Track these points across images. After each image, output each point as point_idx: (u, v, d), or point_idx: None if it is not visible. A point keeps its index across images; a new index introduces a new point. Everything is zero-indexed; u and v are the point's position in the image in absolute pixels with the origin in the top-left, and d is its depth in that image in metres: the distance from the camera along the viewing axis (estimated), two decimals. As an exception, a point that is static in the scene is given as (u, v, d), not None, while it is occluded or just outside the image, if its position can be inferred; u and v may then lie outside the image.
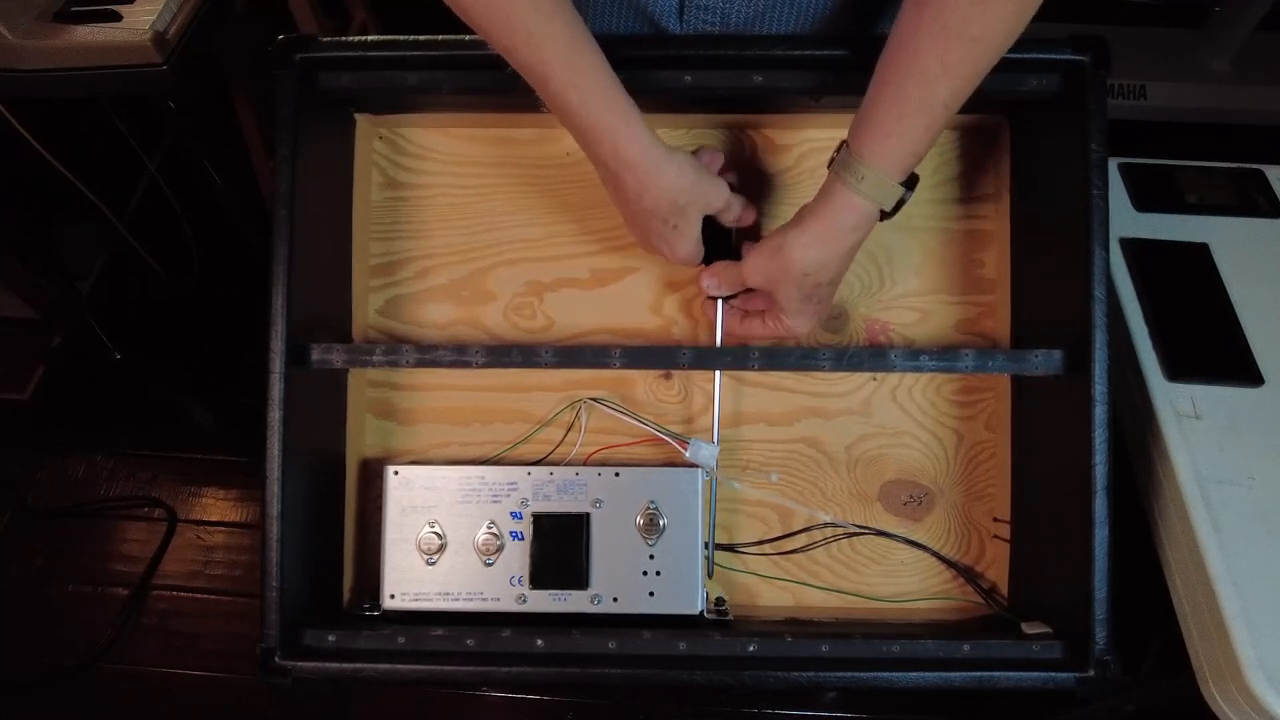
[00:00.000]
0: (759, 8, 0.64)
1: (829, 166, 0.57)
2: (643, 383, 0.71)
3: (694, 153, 0.61)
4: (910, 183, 0.56)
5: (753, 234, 0.68)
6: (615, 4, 0.66)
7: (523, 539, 0.65)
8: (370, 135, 0.72)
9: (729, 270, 0.63)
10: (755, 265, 0.61)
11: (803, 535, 0.71)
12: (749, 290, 0.64)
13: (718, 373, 0.67)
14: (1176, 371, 0.68)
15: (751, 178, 0.72)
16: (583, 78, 0.53)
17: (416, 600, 0.65)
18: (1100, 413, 0.59)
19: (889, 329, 0.72)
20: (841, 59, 0.60)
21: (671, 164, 0.57)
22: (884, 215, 0.57)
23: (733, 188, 0.63)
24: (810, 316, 0.62)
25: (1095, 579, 0.58)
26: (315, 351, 0.63)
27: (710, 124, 0.71)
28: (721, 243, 0.65)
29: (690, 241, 0.61)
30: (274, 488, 0.60)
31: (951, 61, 0.51)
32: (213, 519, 1.46)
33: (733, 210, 0.63)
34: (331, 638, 0.61)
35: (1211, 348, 0.69)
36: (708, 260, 0.64)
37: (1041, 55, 0.61)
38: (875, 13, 0.66)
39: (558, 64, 0.52)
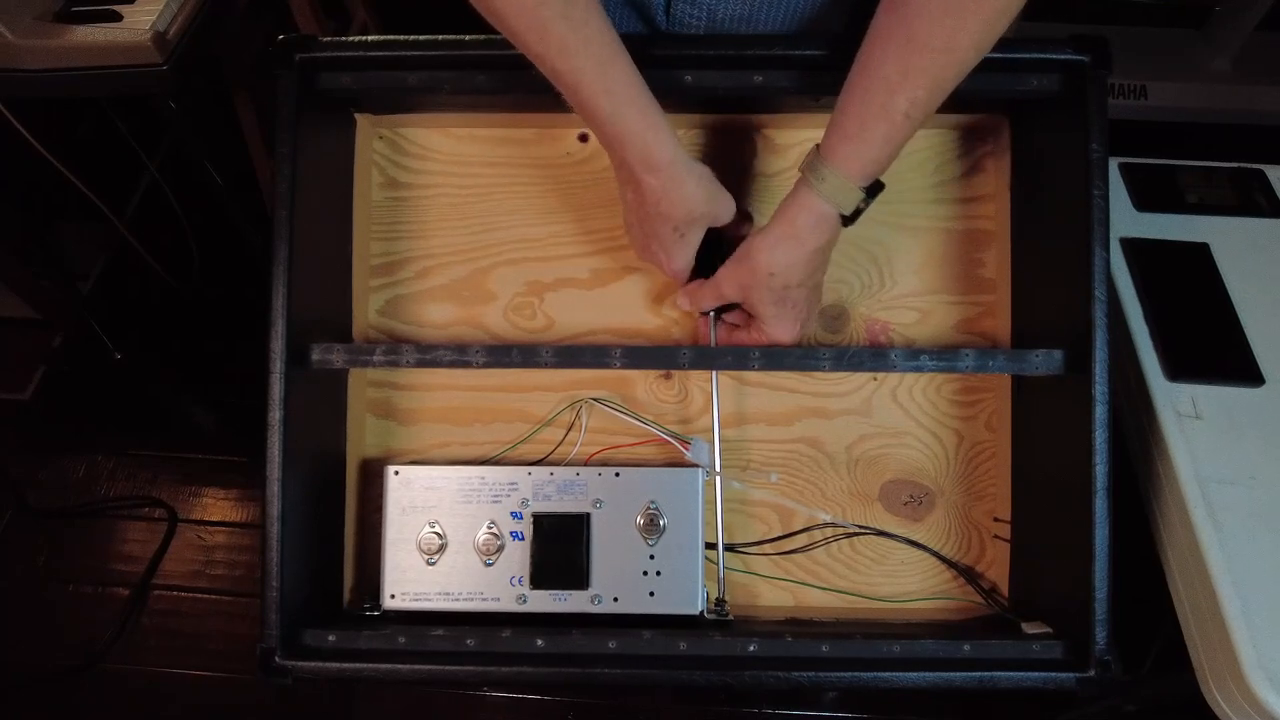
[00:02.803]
0: (749, 4, 0.64)
1: (799, 167, 0.58)
2: (643, 383, 0.71)
3: None
4: (872, 190, 0.57)
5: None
6: None
7: (523, 539, 0.65)
8: (370, 135, 0.72)
9: (703, 287, 0.64)
10: (726, 273, 0.62)
11: (803, 535, 0.71)
12: (735, 307, 0.65)
13: (715, 374, 0.67)
14: (1177, 371, 0.68)
15: (751, 178, 0.72)
16: (614, 85, 0.53)
17: (417, 600, 0.65)
18: (1101, 413, 0.59)
19: (889, 329, 0.72)
20: (841, 59, 0.60)
21: (694, 174, 0.58)
22: (845, 221, 0.57)
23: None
24: (789, 323, 0.62)
25: (1095, 579, 0.58)
26: (315, 351, 0.63)
27: (710, 124, 0.71)
28: (714, 259, 0.65)
29: (689, 253, 0.62)
30: (274, 488, 0.60)
31: (914, 70, 0.51)
32: (213, 519, 1.46)
33: (733, 223, 0.64)
34: (332, 638, 0.61)
35: (1212, 348, 0.69)
36: (702, 274, 0.65)
37: (1042, 55, 0.61)
38: (864, 11, 0.66)
39: (590, 71, 0.52)
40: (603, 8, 0.53)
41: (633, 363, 0.63)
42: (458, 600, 0.65)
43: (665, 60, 0.61)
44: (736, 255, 0.61)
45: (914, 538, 0.71)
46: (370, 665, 0.60)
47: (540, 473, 0.66)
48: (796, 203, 0.57)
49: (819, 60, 0.61)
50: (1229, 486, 0.63)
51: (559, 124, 0.71)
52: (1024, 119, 0.68)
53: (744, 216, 0.66)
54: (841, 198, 0.56)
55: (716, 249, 0.65)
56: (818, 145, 0.57)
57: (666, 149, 0.56)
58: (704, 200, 0.59)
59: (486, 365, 0.63)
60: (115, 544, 1.43)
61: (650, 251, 0.63)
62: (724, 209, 0.62)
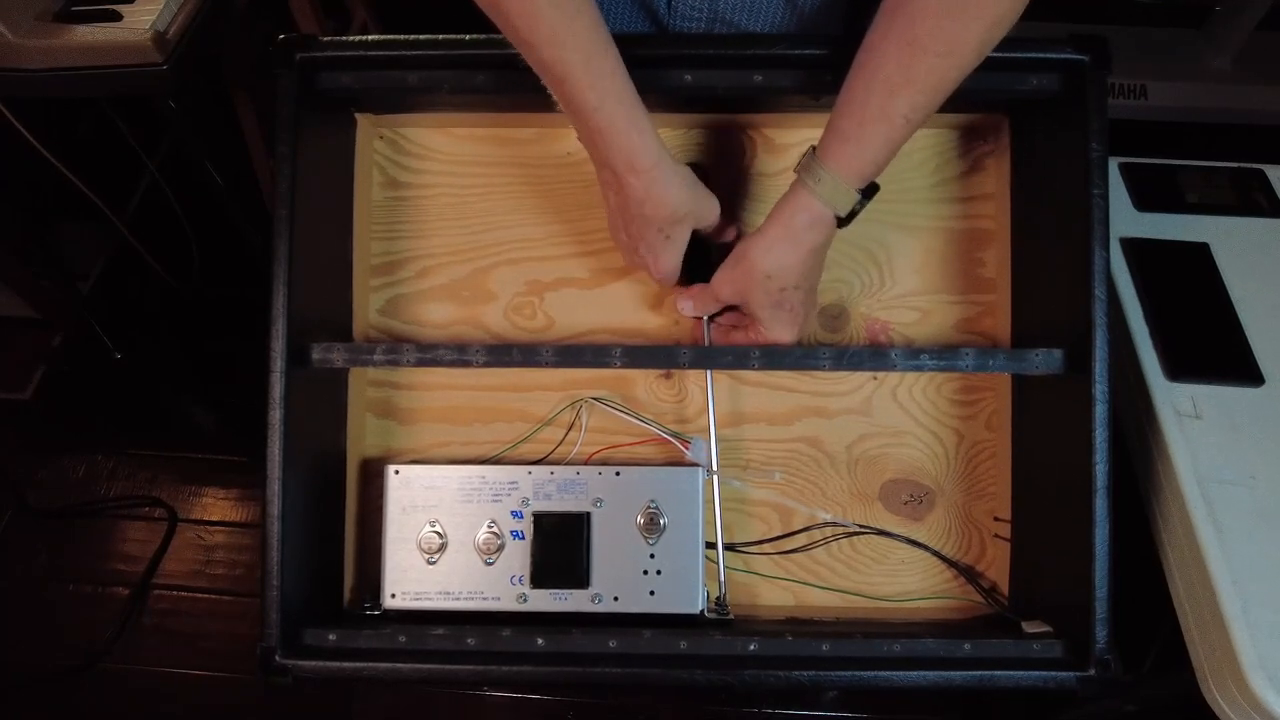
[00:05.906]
0: None
1: (795, 169, 0.58)
2: (643, 382, 0.71)
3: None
4: (868, 192, 0.57)
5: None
6: None
7: (523, 538, 0.65)
8: (370, 135, 0.72)
9: (704, 291, 0.64)
10: (722, 277, 0.62)
11: (803, 535, 0.71)
12: (732, 309, 0.65)
13: (710, 373, 0.67)
14: (1177, 371, 0.68)
15: (751, 178, 0.72)
16: (601, 80, 0.53)
17: (417, 599, 0.65)
18: (1101, 412, 0.59)
19: (889, 328, 0.72)
20: (842, 59, 0.60)
21: (677, 175, 0.58)
22: (840, 222, 0.57)
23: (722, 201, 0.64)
24: (787, 325, 0.62)
25: (1096, 578, 0.58)
26: (316, 351, 0.63)
27: (710, 124, 0.71)
28: (705, 263, 0.65)
29: (676, 255, 0.62)
30: (274, 487, 0.60)
31: (916, 73, 0.51)
32: (213, 519, 1.46)
33: (716, 226, 0.64)
34: (332, 637, 0.61)
35: (1212, 347, 0.69)
36: (690, 280, 0.65)
37: (1042, 55, 0.61)
38: (864, 10, 0.66)
39: (577, 64, 0.52)
40: (595, 4, 0.53)
41: (633, 362, 0.63)
42: (458, 600, 0.65)
43: (665, 60, 0.61)
44: (732, 258, 0.61)
45: (914, 537, 0.71)
46: (370, 665, 0.60)
47: (540, 472, 0.66)
48: (792, 203, 0.57)
49: (819, 60, 0.61)
50: (1229, 486, 0.63)
51: (559, 124, 0.71)
52: (1024, 118, 0.68)
53: (731, 221, 0.66)
54: (837, 199, 0.56)
55: (707, 254, 0.65)
56: (814, 146, 0.57)
57: (651, 150, 0.56)
58: (687, 201, 0.59)
59: (487, 365, 0.63)
60: (115, 544, 1.43)
61: (637, 255, 0.63)
62: (708, 209, 0.62)
